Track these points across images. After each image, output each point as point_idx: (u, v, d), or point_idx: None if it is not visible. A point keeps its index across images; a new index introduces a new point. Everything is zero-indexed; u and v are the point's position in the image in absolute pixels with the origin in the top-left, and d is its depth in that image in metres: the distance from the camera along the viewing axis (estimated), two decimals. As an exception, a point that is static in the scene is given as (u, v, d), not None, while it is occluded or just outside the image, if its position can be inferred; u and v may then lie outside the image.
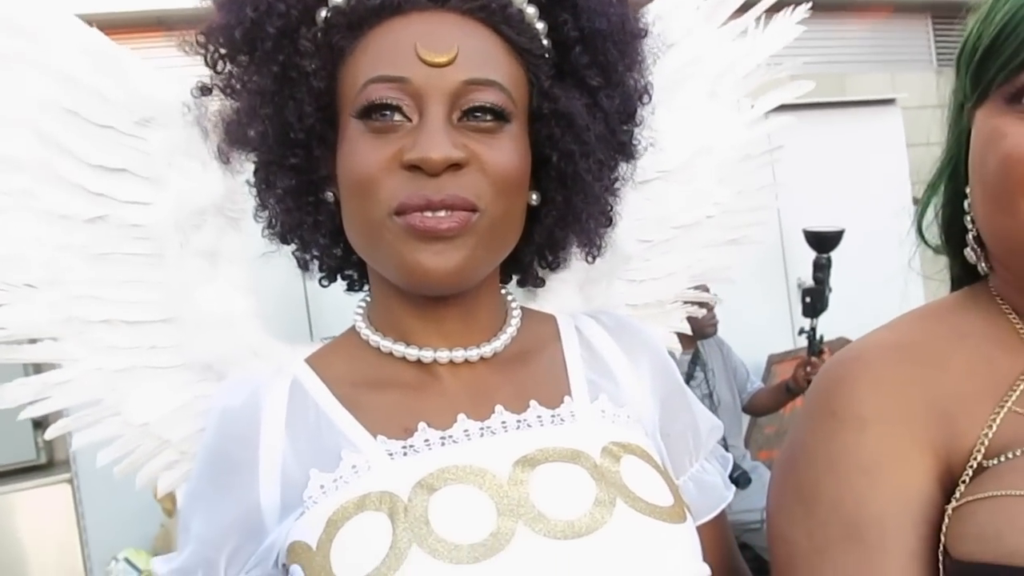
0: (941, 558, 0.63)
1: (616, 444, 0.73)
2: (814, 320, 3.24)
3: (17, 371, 1.05)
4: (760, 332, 4.03)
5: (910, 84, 4.57)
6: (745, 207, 1.09)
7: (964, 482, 0.65)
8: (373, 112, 0.69)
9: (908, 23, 5.00)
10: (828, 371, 0.75)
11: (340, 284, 0.89)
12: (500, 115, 0.70)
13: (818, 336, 3.24)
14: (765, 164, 1.11)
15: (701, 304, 1.13)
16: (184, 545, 0.75)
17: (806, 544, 0.69)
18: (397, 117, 0.69)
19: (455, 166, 0.68)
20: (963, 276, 0.80)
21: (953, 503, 0.64)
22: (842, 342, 3.24)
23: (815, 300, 3.23)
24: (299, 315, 2.60)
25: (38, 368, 0.93)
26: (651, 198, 1.01)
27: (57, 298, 0.88)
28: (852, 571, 0.66)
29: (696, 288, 1.11)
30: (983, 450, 0.66)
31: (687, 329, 1.11)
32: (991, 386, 0.69)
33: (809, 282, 3.32)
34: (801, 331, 3.29)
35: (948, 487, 0.67)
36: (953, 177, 0.76)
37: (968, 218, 0.73)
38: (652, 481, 0.72)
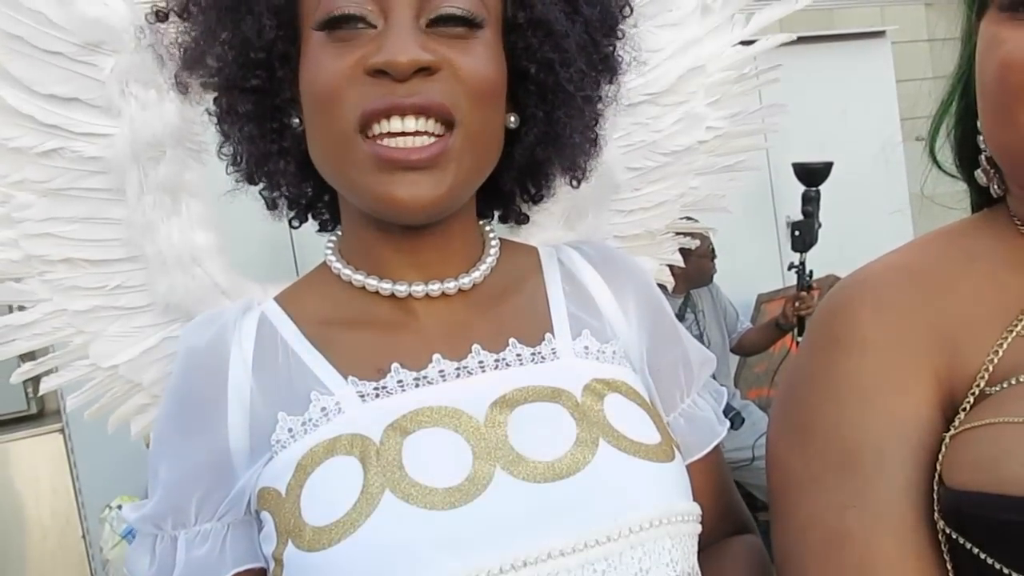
0: (936, 487, 0.61)
1: (599, 381, 0.70)
2: (803, 254, 3.22)
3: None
4: (749, 271, 4.01)
5: (900, 18, 4.50)
6: (740, 131, 1.04)
7: (964, 409, 0.62)
8: (335, 20, 0.65)
9: (899, -45, 4.91)
10: (833, 295, 0.72)
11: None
12: (472, 22, 0.66)
13: (807, 271, 3.22)
14: (759, 86, 1.06)
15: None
16: (153, 491, 0.71)
17: (802, 471, 0.66)
18: (360, 25, 0.64)
19: (425, 71, 0.63)
20: (981, 202, 0.76)
21: (951, 431, 0.62)
22: (831, 279, 3.23)
23: (804, 234, 3.18)
24: (285, 258, 2.55)
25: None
26: (640, 122, 0.97)
27: (14, 237, 0.85)
28: (846, 500, 0.63)
29: (685, 220, 1.07)
30: (987, 376, 0.62)
31: (679, 261, 1.08)
32: (1000, 310, 0.65)
33: (798, 217, 3.28)
34: (791, 266, 3.26)
35: (950, 415, 0.64)
36: (964, 95, 0.72)
37: (980, 138, 0.69)
38: (637, 419, 0.70)
